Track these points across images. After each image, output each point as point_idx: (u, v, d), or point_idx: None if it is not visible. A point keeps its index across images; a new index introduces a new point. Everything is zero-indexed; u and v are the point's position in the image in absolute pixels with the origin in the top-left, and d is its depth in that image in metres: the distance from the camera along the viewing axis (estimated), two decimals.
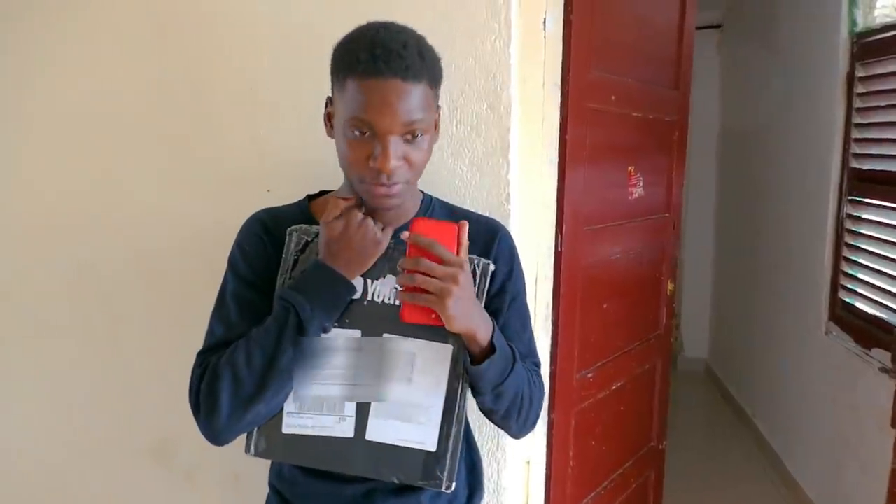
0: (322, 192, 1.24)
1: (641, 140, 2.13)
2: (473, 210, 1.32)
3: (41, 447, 1.81)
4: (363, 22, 1.46)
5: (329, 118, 1.09)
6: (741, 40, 4.27)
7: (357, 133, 0.99)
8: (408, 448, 1.07)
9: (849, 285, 2.76)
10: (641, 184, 2.11)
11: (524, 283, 1.23)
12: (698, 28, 2.46)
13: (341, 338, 1.07)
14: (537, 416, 1.17)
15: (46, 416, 1.80)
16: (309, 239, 1.10)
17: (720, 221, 4.70)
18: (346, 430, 1.07)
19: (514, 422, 1.14)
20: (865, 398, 2.52)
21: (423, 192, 1.22)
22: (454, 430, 1.08)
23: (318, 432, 1.07)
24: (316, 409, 1.07)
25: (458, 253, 0.99)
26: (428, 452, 1.07)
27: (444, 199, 1.26)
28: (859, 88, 2.66)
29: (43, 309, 1.76)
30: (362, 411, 1.07)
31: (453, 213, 1.21)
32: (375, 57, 0.96)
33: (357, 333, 1.07)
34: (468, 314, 0.99)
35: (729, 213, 4.51)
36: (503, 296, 1.16)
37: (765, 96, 3.73)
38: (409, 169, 1.03)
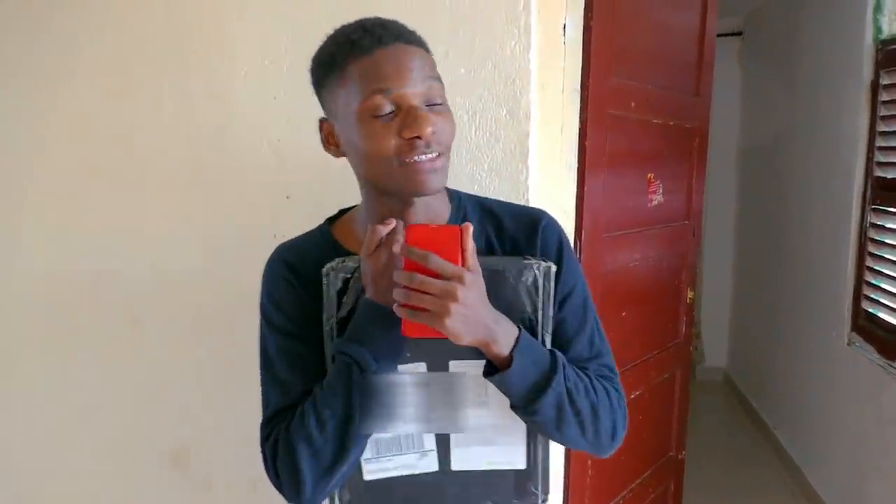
0: (341, 212, 1.15)
1: (661, 147, 2.11)
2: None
3: (61, 453, 1.83)
4: None
5: (329, 138, 1.03)
6: (762, 47, 4.23)
7: (376, 115, 0.91)
8: (497, 470, 1.04)
9: (872, 295, 2.72)
10: (661, 191, 2.10)
11: (580, 276, 1.09)
12: (719, 35, 2.45)
13: (407, 374, 0.99)
14: (613, 429, 1.03)
15: (66, 423, 1.81)
16: (347, 276, 0.99)
17: (740, 229, 4.66)
18: (430, 464, 1.04)
19: (577, 440, 1.01)
20: (889, 409, 2.48)
21: (448, 189, 1.10)
22: (541, 441, 1.04)
23: (401, 472, 1.03)
24: (394, 449, 1.02)
25: (462, 261, 0.87)
26: (518, 471, 1.04)
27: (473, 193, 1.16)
28: (884, 96, 2.63)
29: (62, 316, 1.77)
30: (443, 443, 1.03)
31: (485, 208, 1.10)
32: (369, 31, 0.93)
33: (422, 366, 1.00)
34: (475, 327, 0.88)
35: (749, 221, 4.46)
36: (555, 295, 1.04)
37: (786, 104, 3.70)
38: (444, 137, 0.94)
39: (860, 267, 2.79)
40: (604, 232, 1.83)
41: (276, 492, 1.76)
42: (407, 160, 0.92)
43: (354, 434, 0.94)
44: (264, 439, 1.01)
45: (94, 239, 1.73)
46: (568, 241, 1.09)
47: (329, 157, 1.55)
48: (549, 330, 1.02)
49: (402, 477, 1.03)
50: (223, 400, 1.72)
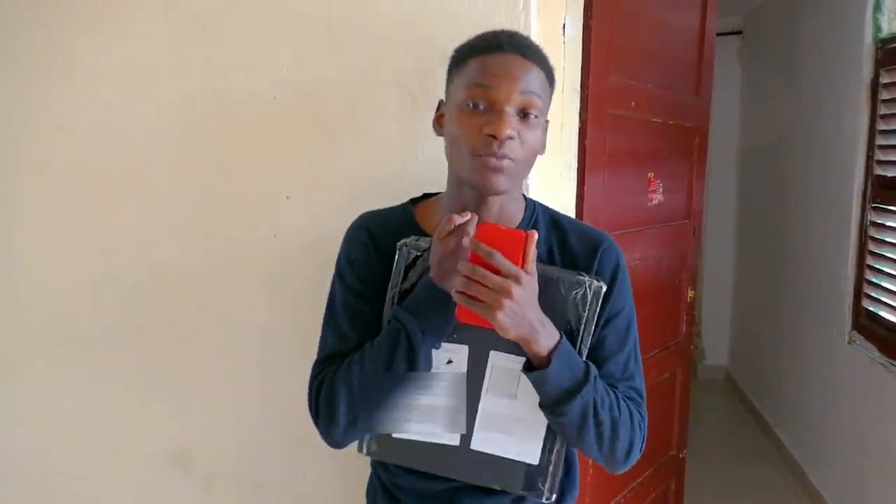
0: (425, 195, 1.24)
1: (661, 146, 2.11)
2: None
3: (62, 455, 1.82)
4: (382, 30, 1.49)
5: (439, 119, 1.12)
6: (762, 46, 4.24)
7: (472, 105, 1.01)
8: (511, 459, 1.10)
9: (873, 294, 2.72)
10: (661, 190, 2.10)
11: (630, 301, 1.17)
12: (719, 34, 2.45)
13: (449, 351, 1.09)
14: (629, 448, 1.09)
15: (67, 425, 1.81)
16: (418, 253, 1.10)
17: (741, 228, 4.66)
18: (453, 438, 1.11)
19: (592, 449, 1.07)
20: (889, 408, 2.48)
21: (526, 198, 1.20)
22: (557, 444, 1.10)
23: (425, 438, 1.12)
24: (422, 417, 1.10)
25: (522, 264, 0.95)
26: (530, 465, 1.10)
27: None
28: (883, 95, 2.63)
29: (64, 319, 1.77)
30: (468, 421, 1.11)
31: (555, 221, 1.18)
32: (499, 37, 1.04)
33: (464, 349, 1.09)
34: (522, 324, 0.96)
35: (750, 220, 4.47)
36: (599, 316, 1.11)
37: (787, 102, 3.70)
38: (521, 146, 1.02)
39: (861, 265, 2.79)
40: (605, 231, 1.82)
41: (277, 494, 1.77)
42: (477, 153, 1.01)
43: (389, 391, 1.07)
44: (314, 377, 1.13)
45: (93, 240, 1.72)
46: (625, 266, 1.17)
47: (328, 157, 1.57)
48: (588, 344, 1.10)
49: (425, 442, 1.11)
50: (224, 401, 1.72)
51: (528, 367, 1.03)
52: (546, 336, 1.00)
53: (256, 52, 1.57)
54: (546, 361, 1.00)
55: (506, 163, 1.01)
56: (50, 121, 1.71)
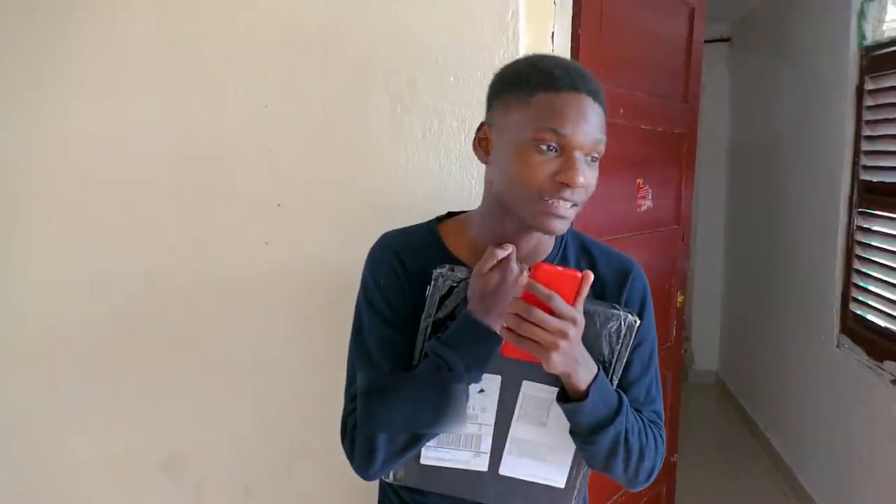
0: (450, 214, 1.20)
1: (650, 152, 2.13)
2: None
3: (53, 460, 1.82)
4: (373, 38, 1.50)
5: (482, 142, 1.07)
6: (750, 54, 4.27)
7: (544, 147, 0.96)
8: (538, 483, 1.12)
9: (860, 297, 2.74)
10: (650, 196, 2.12)
11: (653, 328, 1.18)
12: (707, 41, 2.47)
13: (482, 381, 1.08)
14: (652, 470, 1.11)
15: (59, 430, 1.81)
16: (454, 284, 1.07)
17: (730, 233, 4.69)
18: (481, 464, 1.12)
19: (617, 473, 1.08)
20: (878, 411, 2.51)
21: None
22: (583, 468, 1.12)
23: (453, 465, 1.12)
24: (454, 444, 1.11)
25: (574, 303, 0.94)
26: (556, 488, 1.12)
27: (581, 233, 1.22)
28: (868, 101, 2.66)
29: (55, 326, 1.77)
30: (497, 447, 1.11)
31: (584, 247, 1.18)
32: (570, 73, 0.98)
33: (497, 379, 1.08)
34: (569, 363, 0.96)
35: (739, 226, 4.50)
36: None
37: (774, 109, 3.73)
38: (586, 192, 1.00)
39: (848, 270, 2.82)
40: (594, 237, 1.84)
41: (269, 499, 1.76)
42: (547, 199, 0.97)
43: (429, 427, 1.05)
44: (348, 413, 1.10)
45: (85, 247, 1.72)
46: (650, 294, 1.17)
47: (319, 165, 1.58)
48: (619, 375, 1.10)
49: (453, 468, 1.12)
50: (216, 407, 1.72)
51: (563, 397, 1.03)
52: (585, 370, 0.99)
53: (248, 60, 1.58)
54: (584, 395, 0.99)
55: (573, 210, 0.99)
56: (43, 131, 1.71)
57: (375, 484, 1.27)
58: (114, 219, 1.70)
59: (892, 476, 2.18)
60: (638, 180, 2.06)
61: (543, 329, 0.92)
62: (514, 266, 1.00)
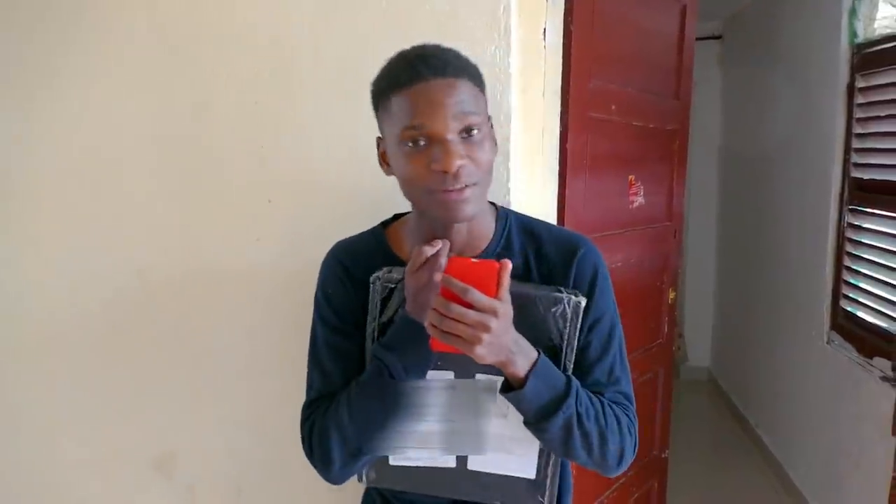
0: (396, 216, 1.22)
1: (642, 149, 2.14)
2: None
3: (45, 459, 1.81)
4: (363, 36, 1.49)
5: (383, 156, 1.08)
6: (741, 51, 4.28)
7: (411, 144, 0.97)
8: (510, 476, 1.13)
9: (850, 294, 2.76)
10: (642, 192, 2.12)
11: (612, 304, 1.15)
12: (698, 39, 2.48)
13: (435, 380, 1.09)
14: (619, 454, 1.09)
15: (49, 429, 1.80)
16: (392, 286, 1.09)
17: (723, 230, 4.70)
18: (448, 461, 1.13)
19: (581, 459, 1.07)
20: (867, 407, 2.52)
21: (497, 207, 1.18)
22: (553, 457, 1.12)
23: (422, 463, 1.13)
24: (418, 443, 1.11)
25: (496, 293, 0.93)
26: (528, 480, 1.12)
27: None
28: (859, 99, 2.67)
29: (46, 324, 1.76)
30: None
31: (530, 230, 1.16)
32: (412, 65, 0.97)
33: (450, 375, 1.10)
34: (500, 352, 0.96)
35: (732, 222, 4.51)
36: (581, 323, 1.10)
37: (765, 107, 3.74)
38: (477, 168, 0.98)
39: (839, 267, 2.83)
40: (585, 233, 1.84)
41: (261, 499, 1.76)
42: (432, 189, 0.98)
43: (379, 429, 1.07)
44: (304, 419, 1.13)
45: (75, 243, 1.71)
46: (604, 269, 1.15)
47: (309, 162, 1.57)
48: (572, 359, 1.10)
49: (423, 467, 1.13)
50: (208, 406, 1.72)
51: (507, 388, 1.02)
52: (522, 357, 0.99)
53: (239, 58, 1.57)
54: (523, 381, 0.99)
55: (467, 192, 0.98)
56: (34, 130, 1.69)
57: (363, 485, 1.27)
58: (105, 216, 1.69)
59: (881, 472, 2.19)
60: (630, 177, 2.06)
61: (463, 323, 0.91)
62: (443, 262, 0.98)
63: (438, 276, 0.94)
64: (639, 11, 2.08)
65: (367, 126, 1.52)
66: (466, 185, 0.98)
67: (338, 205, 1.55)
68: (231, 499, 1.75)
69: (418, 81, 0.96)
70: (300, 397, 1.19)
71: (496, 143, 1.06)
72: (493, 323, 0.91)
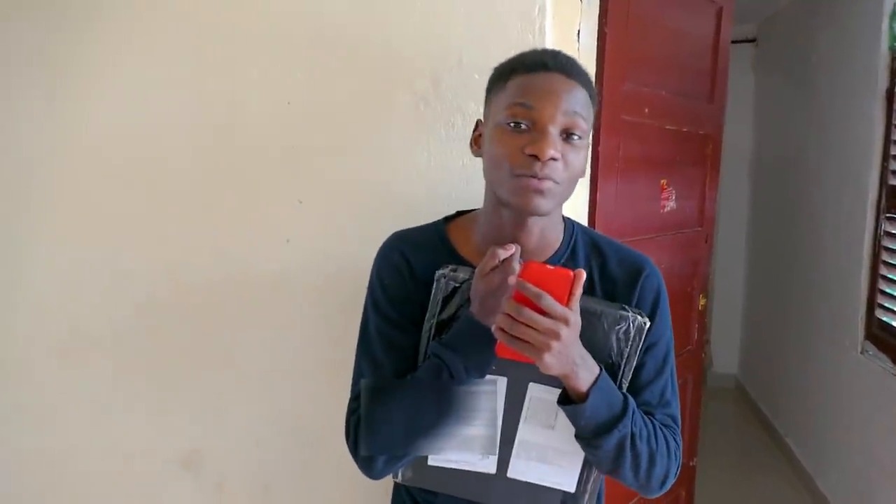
0: (459, 213, 1.20)
1: (675, 153, 2.11)
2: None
3: (73, 456, 1.83)
4: (397, 34, 1.49)
5: (476, 138, 1.09)
6: (776, 54, 4.22)
7: (513, 124, 0.98)
8: (547, 487, 1.10)
9: (886, 304, 2.70)
10: (674, 197, 2.09)
11: (670, 329, 1.15)
12: (733, 42, 2.44)
13: (488, 383, 1.07)
14: (664, 477, 1.09)
15: (79, 426, 1.81)
16: (457, 285, 1.07)
17: (753, 236, 4.64)
18: (489, 466, 1.11)
19: (628, 479, 1.06)
20: None
21: (565, 219, 1.16)
22: (594, 473, 1.10)
23: (461, 467, 1.11)
24: (461, 446, 1.09)
25: (568, 303, 0.92)
26: (566, 493, 1.10)
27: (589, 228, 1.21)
28: None
29: (77, 321, 1.77)
30: (505, 450, 1.10)
31: (595, 244, 1.15)
32: (542, 55, 1.01)
33: (503, 380, 1.08)
34: (566, 363, 0.95)
35: (762, 229, 4.45)
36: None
37: (800, 111, 3.68)
38: (564, 169, 0.98)
39: (874, 275, 2.77)
40: (617, 237, 1.81)
41: (288, 496, 1.77)
42: (517, 173, 0.97)
43: (429, 428, 1.04)
44: (351, 412, 1.12)
45: (107, 243, 1.73)
46: (665, 294, 1.14)
47: (340, 162, 1.58)
48: (629, 378, 1.08)
49: (461, 470, 1.11)
50: (236, 403, 1.73)
51: (565, 400, 1.01)
52: (586, 371, 0.98)
53: (271, 57, 1.57)
54: (585, 396, 0.98)
55: (548, 184, 0.97)
56: (67, 126, 1.71)
57: (392, 482, 1.27)
58: (135, 215, 1.70)
59: None
60: (662, 181, 2.04)
61: (534, 329, 0.90)
62: (516, 266, 0.98)
63: (513, 280, 0.93)
64: (674, 13, 2.05)
65: (400, 127, 1.53)
66: (553, 182, 0.97)
67: (369, 206, 1.55)
68: (258, 496, 1.75)
69: (543, 70, 0.98)
70: (328, 396, 1.19)
71: (587, 165, 1.08)
72: (564, 331, 0.91)
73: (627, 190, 1.85)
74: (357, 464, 1.10)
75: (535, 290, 0.90)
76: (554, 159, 0.96)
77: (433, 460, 1.12)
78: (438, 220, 1.19)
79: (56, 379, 1.82)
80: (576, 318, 0.93)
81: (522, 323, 0.90)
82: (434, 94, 1.50)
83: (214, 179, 1.65)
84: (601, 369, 1.00)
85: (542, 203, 0.98)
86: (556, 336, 0.90)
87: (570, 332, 0.92)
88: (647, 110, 1.88)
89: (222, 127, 1.63)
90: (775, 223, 4.14)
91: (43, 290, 1.79)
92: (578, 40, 1.57)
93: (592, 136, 1.69)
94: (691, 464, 2.45)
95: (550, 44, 1.46)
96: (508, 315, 0.91)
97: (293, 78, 1.57)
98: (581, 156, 1.01)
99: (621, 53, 1.73)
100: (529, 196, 0.98)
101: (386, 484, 1.26)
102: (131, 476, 1.82)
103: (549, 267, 0.93)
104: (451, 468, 1.11)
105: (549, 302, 0.90)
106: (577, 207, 1.68)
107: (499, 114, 1.00)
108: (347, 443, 1.11)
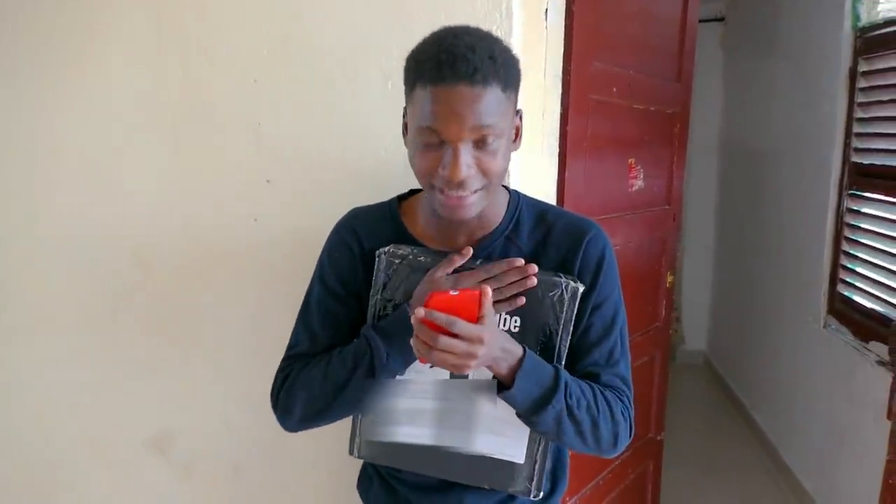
0: (412, 192, 1.21)
1: (643, 132, 2.13)
2: None
3: (41, 439, 1.82)
4: (363, 12, 1.48)
5: (405, 128, 1.08)
6: (744, 34, 4.25)
7: (427, 141, 0.97)
8: (499, 459, 1.13)
9: (848, 279, 2.76)
10: (642, 176, 2.11)
11: (617, 290, 1.16)
12: (701, 21, 2.46)
13: (422, 378, 1.12)
14: (613, 439, 1.11)
15: (47, 408, 1.80)
16: (397, 262, 1.11)
17: (721, 214, 4.70)
18: (442, 439, 1.13)
19: (575, 446, 1.10)
20: (862, 391, 2.53)
21: (510, 191, 1.18)
22: (542, 443, 1.13)
23: (411, 440, 1.14)
24: (413, 421, 1.13)
25: (480, 319, 0.94)
26: (517, 464, 1.13)
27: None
28: (861, 83, 2.66)
29: (43, 303, 1.76)
30: (459, 423, 1.13)
31: (542, 215, 1.16)
32: (441, 63, 0.93)
33: (445, 374, 1.10)
34: (487, 362, 0.99)
35: (730, 206, 4.50)
36: (584, 306, 1.11)
37: (767, 90, 3.72)
38: (483, 176, 0.99)
39: (836, 251, 2.83)
40: (585, 215, 1.84)
41: (256, 476, 1.77)
42: (438, 187, 1.00)
43: (344, 401, 1.10)
44: (281, 370, 1.19)
45: (71, 224, 1.71)
46: (611, 255, 1.15)
47: (308, 141, 1.57)
48: (567, 343, 1.11)
49: (415, 445, 1.14)
50: (204, 385, 1.72)
51: (500, 387, 1.04)
52: (509, 359, 1.01)
53: (237, 35, 1.55)
54: (510, 382, 1.01)
55: (468, 198, 0.99)
56: (30, 110, 1.68)
57: (360, 462, 1.29)
58: (100, 196, 1.68)
59: (875, 455, 2.20)
60: (630, 160, 2.05)
61: (452, 353, 0.93)
62: (471, 278, 1.03)
63: (420, 314, 0.92)
64: None
65: (368, 104, 1.52)
66: (470, 192, 0.99)
67: (337, 184, 1.55)
68: (227, 477, 1.76)
69: (442, 83, 0.93)
70: None
71: (520, 139, 1.07)
72: (482, 350, 0.94)
73: (596, 169, 1.86)
74: (275, 415, 1.17)
75: (446, 317, 0.92)
76: (468, 177, 0.97)
77: (384, 436, 1.16)
78: (392, 199, 1.21)
79: (21, 363, 1.80)
80: (491, 331, 0.96)
81: (440, 350, 0.92)
82: (401, 72, 1.48)
83: (180, 159, 1.64)
84: (525, 351, 1.02)
85: (466, 212, 1.01)
86: (474, 356, 0.94)
87: (487, 347, 0.95)
88: (615, 89, 1.89)
89: (187, 106, 1.61)
90: (743, 201, 4.20)
91: (6, 272, 1.76)
92: (546, 19, 1.57)
93: (561, 115, 1.71)
94: (658, 438, 2.50)
95: (519, 23, 1.45)
96: (425, 343, 0.93)
97: (259, 55, 1.55)
98: (499, 156, 0.99)
99: (589, 32, 1.73)
100: (453, 209, 1.01)
101: (354, 463, 1.28)
102: (101, 458, 1.81)
103: (454, 293, 0.95)
104: (400, 443, 1.14)
105: (462, 327, 0.92)
106: (545, 186, 1.69)
107: (412, 122, 1.00)
108: (270, 396, 1.18)
